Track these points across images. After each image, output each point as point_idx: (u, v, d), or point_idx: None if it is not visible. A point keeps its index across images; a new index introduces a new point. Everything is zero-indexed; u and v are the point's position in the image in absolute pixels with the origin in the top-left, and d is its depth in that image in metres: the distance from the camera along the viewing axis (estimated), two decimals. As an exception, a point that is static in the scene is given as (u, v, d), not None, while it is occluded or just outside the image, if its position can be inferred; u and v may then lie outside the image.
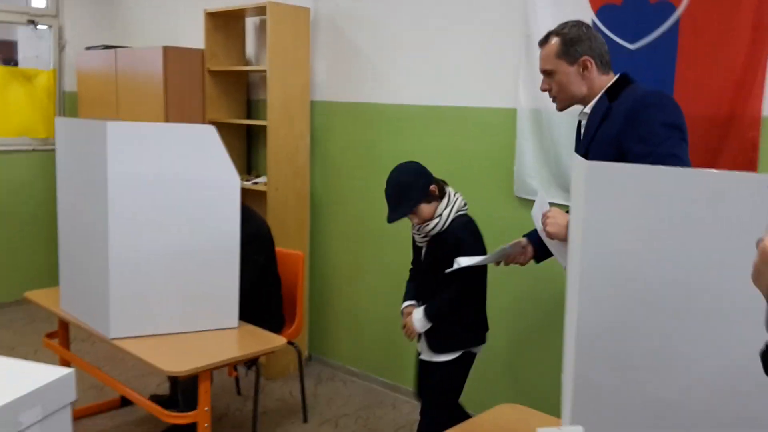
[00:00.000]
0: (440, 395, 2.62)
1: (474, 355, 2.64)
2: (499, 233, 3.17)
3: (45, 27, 5.09)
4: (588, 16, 2.73)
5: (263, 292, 3.09)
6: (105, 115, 4.51)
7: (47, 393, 1.81)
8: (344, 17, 3.73)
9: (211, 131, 2.70)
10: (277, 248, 3.23)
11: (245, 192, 3.21)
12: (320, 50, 3.87)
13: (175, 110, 4.09)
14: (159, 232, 2.63)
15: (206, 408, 2.44)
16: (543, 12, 2.90)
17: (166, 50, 4.04)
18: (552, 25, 2.26)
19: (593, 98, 2.11)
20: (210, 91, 4.12)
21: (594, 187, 1.36)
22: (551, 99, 2.19)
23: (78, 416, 3.10)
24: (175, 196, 2.64)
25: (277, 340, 2.67)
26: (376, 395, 3.65)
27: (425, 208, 2.50)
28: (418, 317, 2.56)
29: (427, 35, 3.37)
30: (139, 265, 2.60)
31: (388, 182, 2.51)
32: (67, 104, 5.14)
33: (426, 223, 2.52)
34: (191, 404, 2.53)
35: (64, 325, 3.14)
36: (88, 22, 5.16)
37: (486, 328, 2.67)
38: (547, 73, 2.15)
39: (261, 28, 4.15)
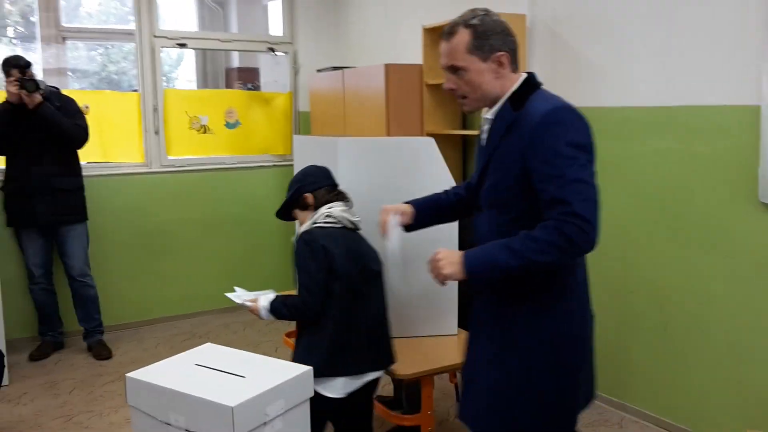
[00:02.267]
0: None
1: (328, 399, 2.25)
2: (742, 242, 2.89)
3: (282, 53, 5.61)
4: None
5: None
6: (334, 132, 4.86)
7: (290, 388, 1.98)
8: (561, 21, 3.64)
9: (430, 143, 2.79)
10: (496, 257, 3.23)
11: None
12: (536, 56, 3.81)
13: (396, 124, 4.28)
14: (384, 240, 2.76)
15: (429, 412, 2.51)
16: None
17: (388, 67, 4.25)
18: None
19: (500, 100, 1.89)
20: (427, 103, 4.25)
21: None
22: (458, 100, 1.94)
23: (312, 410, 3.36)
24: (398, 206, 2.75)
25: (497, 350, 2.67)
26: (600, 413, 3.49)
27: (299, 214, 2.46)
28: (264, 303, 2.33)
29: (653, 31, 3.16)
30: (366, 272, 2.76)
31: None
32: (302, 123, 5.61)
33: None
34: (415, 407, 2.63)
35: (301, 326, 3.42)
36: (319, 46, 5.60)
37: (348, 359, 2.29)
38: (454, 70, 1.88)
39: (477, 39, 4.19)
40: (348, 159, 2.74)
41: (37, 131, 4.04)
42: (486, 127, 1.94)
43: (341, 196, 2.46)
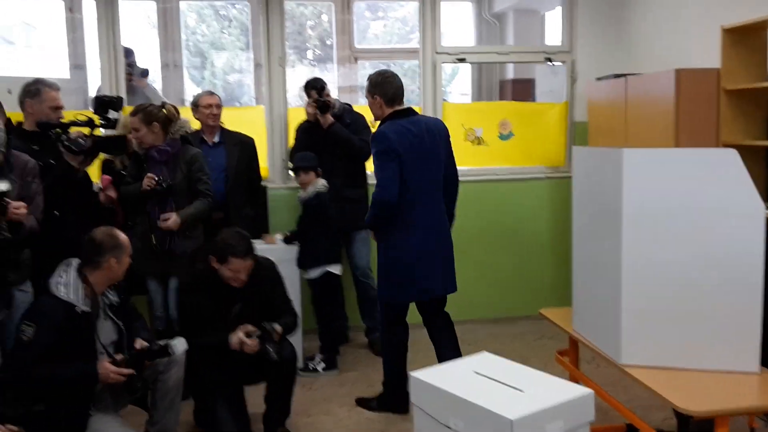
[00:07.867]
0: None
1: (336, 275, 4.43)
2: None
3: (560, 63, 5.50)
4: None
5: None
6: (614, 143, 4.63)
7: (570, 408, 1.93)
8: None
9: (732, 155, 2.52)
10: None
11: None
12: None
13: (686, 134, 3.94)
14: (673, 260, 2.56)
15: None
16: None
17: (679, 73, 3.94)
18: None
19: None
20: (725, 111, 3.85)
21: None
22: None
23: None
24: (691, 223, 2.54)
25: (813, 395, 2.31)
26: None
27: (305, 178, 4.22)
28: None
29: None
30: (652, 294, 2.58)
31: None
32: (577, 133, 5.45)
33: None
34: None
35: (575, 345, 3.30)
36: (600, 53, 5.39)
37: None
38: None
39: (790, 37, 3.69)
40: (635, 172, 2.58)
41: (329, 147, 4.48)
42: None
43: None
